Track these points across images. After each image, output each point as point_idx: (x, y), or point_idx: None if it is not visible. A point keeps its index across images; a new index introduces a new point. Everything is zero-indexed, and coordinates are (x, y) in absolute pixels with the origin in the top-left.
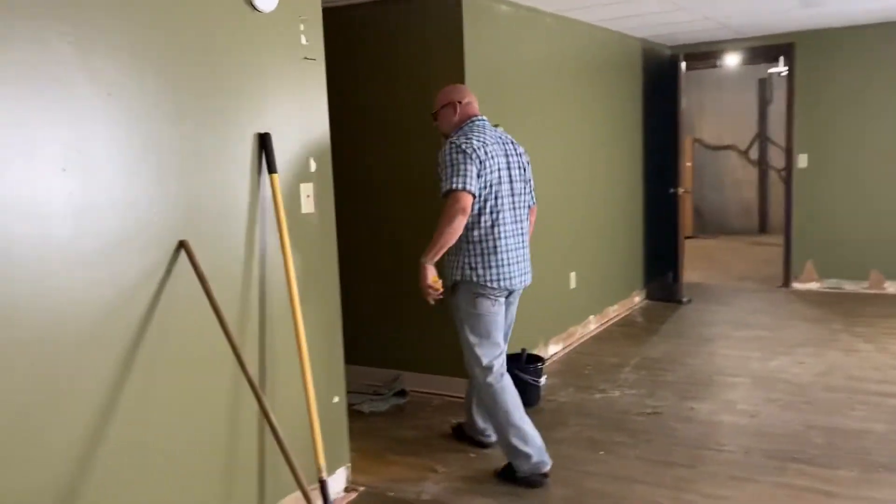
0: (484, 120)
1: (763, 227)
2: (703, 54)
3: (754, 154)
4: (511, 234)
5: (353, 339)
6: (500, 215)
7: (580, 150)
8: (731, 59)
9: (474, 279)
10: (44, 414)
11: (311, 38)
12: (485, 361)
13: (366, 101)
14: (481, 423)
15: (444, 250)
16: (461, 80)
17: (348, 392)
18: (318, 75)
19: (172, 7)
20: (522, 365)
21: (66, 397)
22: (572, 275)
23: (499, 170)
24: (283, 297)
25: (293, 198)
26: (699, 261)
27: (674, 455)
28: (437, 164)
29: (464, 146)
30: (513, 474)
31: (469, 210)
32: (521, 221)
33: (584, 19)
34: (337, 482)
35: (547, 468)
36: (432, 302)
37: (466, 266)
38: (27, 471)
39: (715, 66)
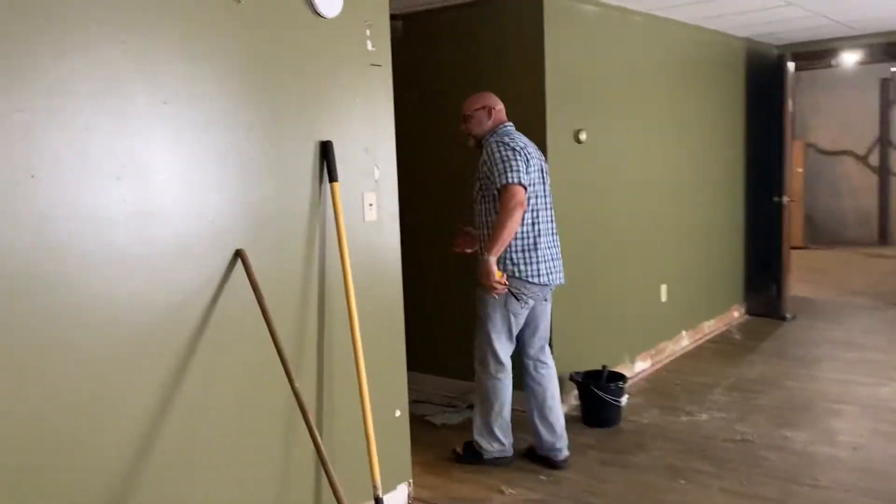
0: (513, 126)
1: (883, 238)
2: (815, 53)
3: (874, 159)
4: (546, 232)
5: (428, 348)
6: (539, 214)
7: (673, 156)
8: (847, 59)
9: (516, 274)
10: (97, 418)
11: (377, 44)
12: (501, 356)
13: (443, 106)
14: (547, 435)
15: (507, 244)
16: (541, 84)
17: (420, 402)
18: (384, 82)
19: (233, 14)
20: (602, 383)
21: (118, 403)
22: (663, 287)
23: (535, 171)
24: (343, 309)
25: (356, 206)
26: (809, 273)
27: (761, 488)
28: (482, 162)
29: (511, 144)
30: (476, 454)
31: (525, 203)
32: (553, 221)
33: (678, 18)
34: (397, 498)
35: (511, 454)
36: (496, 297)
37: (508, 262)
38: (80, 473)
39: (829, 65)
